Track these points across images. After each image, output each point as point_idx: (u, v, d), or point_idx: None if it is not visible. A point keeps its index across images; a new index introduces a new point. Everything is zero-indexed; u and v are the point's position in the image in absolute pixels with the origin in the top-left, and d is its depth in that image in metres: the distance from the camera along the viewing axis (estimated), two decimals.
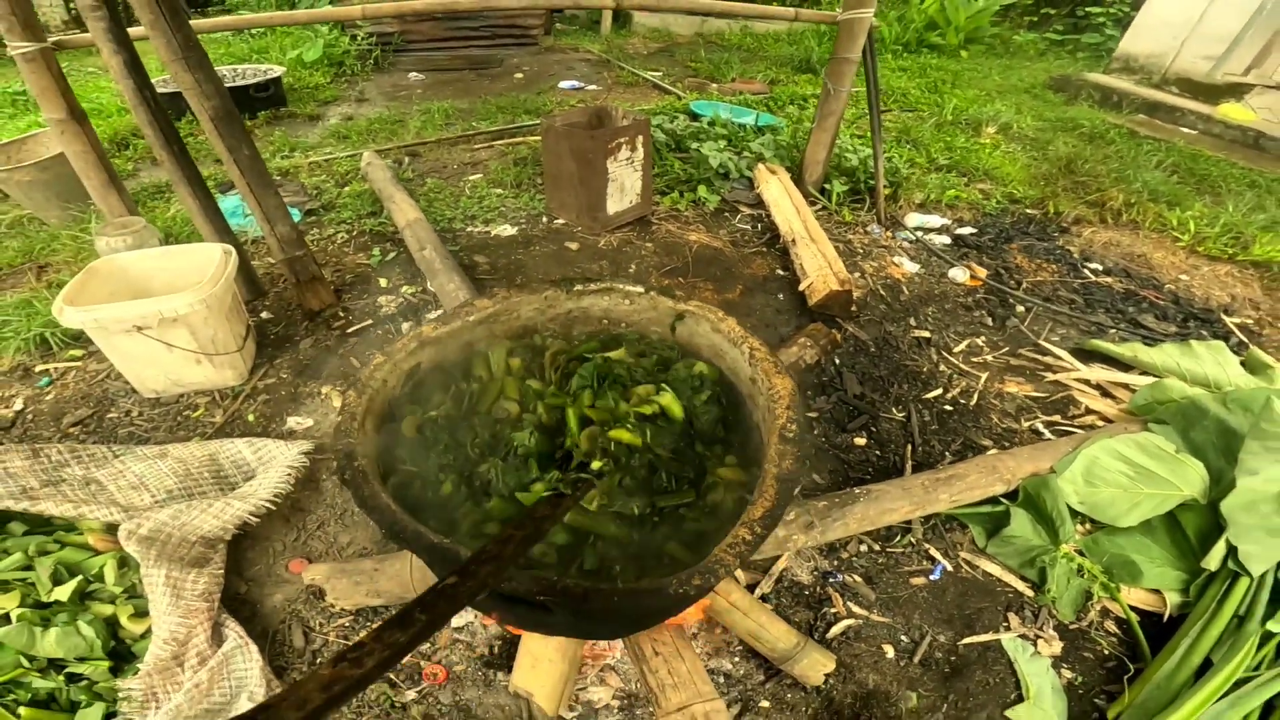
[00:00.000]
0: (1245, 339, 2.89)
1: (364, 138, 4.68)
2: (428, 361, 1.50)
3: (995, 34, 8.40)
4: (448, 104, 5.28)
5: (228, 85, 5.06)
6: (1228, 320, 3.01)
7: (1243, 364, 2.50)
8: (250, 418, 2.25)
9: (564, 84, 6.28)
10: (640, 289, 1.51)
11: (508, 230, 3.41)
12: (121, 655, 1.51)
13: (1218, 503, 1.78)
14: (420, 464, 1.35)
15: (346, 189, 3.83)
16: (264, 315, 2.80)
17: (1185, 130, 5.48)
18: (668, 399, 1.35)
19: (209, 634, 1.46)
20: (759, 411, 1.30)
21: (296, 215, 3.61)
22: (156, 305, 2.02)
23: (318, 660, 1.54)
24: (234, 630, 1.49)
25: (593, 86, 6.30)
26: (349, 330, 2.70)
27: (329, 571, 1.59)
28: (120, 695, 1.38)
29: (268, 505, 1.76)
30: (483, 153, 4.46)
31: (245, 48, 6.83)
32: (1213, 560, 1.73)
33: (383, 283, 3.01)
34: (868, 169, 3.84)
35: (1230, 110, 5.53)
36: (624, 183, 3.31)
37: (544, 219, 3.53)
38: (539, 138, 4.07)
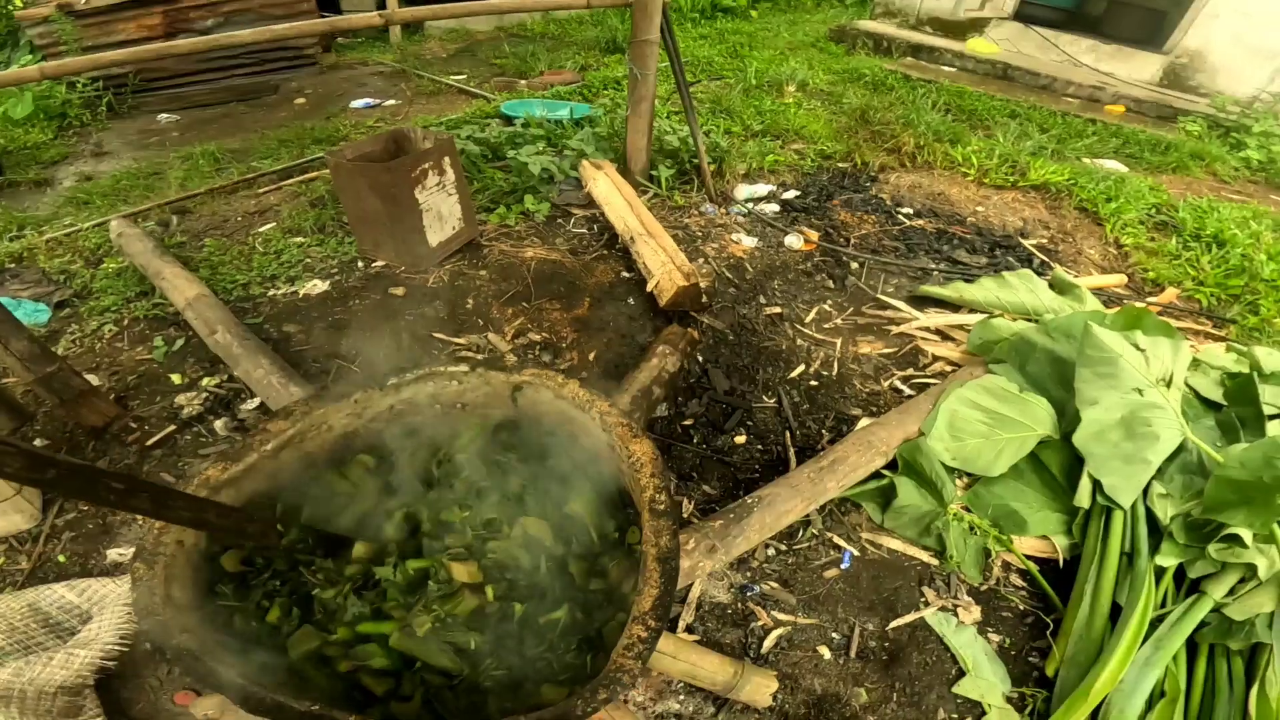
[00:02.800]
0: (1045, 258, 3.21)
1: (111, 200, 3.89)
2: (232, 498, 1.20)
3: None
4: (214, 145, 4.55)
5: None
6: (1025, 243, 3.34)
7: (1051, 286, 2.72)
8: (61, 558, 1.89)
9: (356, 103, 5.68)
10: (465, 368, 1.29)
11: (319, 286, 2.97)
12: None
13: (1069, 436, 1.84)
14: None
15: (101, 268, 3.15)
16: (37, 442, 2.26)
17: (946, 69, 6.08)
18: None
19: None
20: (625, 477, 1.17)
21: (45, 313, 2.91)
22: None
23: None
24: None
25: (391, 101, 5.75)
26: (149, 443, 2.22)
27: (222, 702, 1.36)
28: None
29: (117, 648, 1.60)
30: (270, 197, 3.88)
31: None
32: (1083, 497, 1.77)
33: (175, 379, 2.50)
34: (689, 148, 3.81)
35: (977, 45, 6.20)
36: (440, 210, 2.99)
37: (360, 264, 3.12)
38: None
